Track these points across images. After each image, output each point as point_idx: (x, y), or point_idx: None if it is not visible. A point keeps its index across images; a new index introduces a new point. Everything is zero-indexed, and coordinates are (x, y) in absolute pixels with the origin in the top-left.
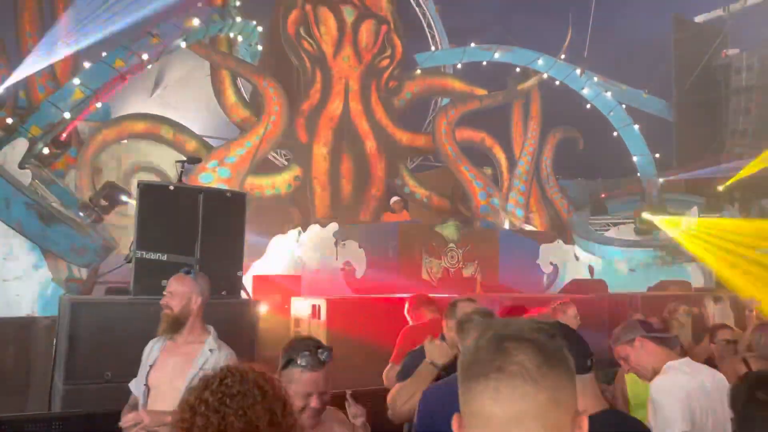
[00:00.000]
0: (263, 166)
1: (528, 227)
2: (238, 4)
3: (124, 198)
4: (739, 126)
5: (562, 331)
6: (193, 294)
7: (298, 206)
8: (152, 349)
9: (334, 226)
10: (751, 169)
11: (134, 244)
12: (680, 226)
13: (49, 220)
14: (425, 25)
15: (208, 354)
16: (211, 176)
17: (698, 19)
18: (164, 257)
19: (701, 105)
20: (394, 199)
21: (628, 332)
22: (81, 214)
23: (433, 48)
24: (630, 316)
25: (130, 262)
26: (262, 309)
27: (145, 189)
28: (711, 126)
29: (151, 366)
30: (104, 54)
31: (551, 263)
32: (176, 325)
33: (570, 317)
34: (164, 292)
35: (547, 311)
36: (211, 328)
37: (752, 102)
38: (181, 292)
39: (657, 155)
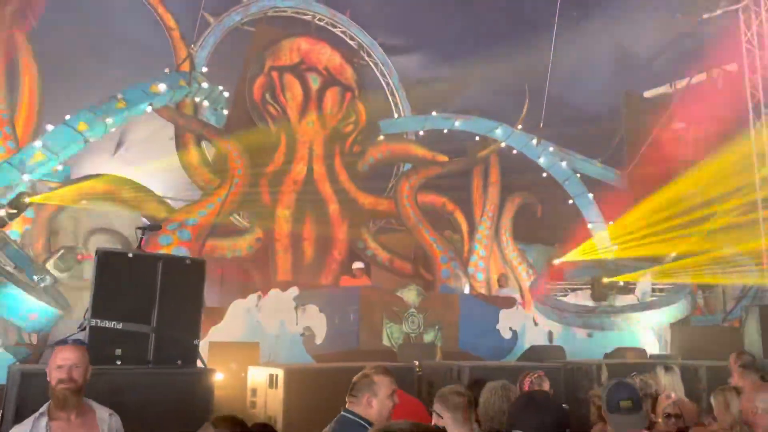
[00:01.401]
0: (225, 228)
1: (503, 291)
2: (204, 70)
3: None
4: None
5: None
6: (89, 365)
7: (259, 269)
8: (33, 429)
9: (294, 290)
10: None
11: (89, 312)
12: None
13: (0, 284)
14: (388, 94)
15: (108, 419)
16: (171, 238)
17: (647, 94)
18: (119, 326)
19: (653, 175)
20: (358, 265)
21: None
22: (35, 277)
23: (396, 115)
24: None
25: (84, 329)
26: (218, 378)
27: (103, 256)
28: (664, 195)
29: None
30: (67, 117)
31: (510, 329)
32: (76, 398)
33: (545, 390)
34: (60, 366)
35: (526, 383)
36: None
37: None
38: (84, 364)
39: (611, 222)
